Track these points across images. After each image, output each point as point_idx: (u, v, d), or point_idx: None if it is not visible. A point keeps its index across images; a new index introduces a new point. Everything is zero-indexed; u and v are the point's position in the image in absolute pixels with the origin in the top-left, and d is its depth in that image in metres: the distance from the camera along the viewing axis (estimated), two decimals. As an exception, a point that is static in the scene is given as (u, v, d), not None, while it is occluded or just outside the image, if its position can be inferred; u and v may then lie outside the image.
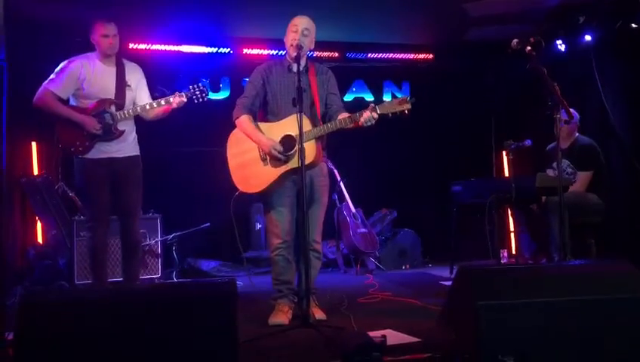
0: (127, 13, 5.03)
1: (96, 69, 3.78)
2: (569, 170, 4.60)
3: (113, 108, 3.75)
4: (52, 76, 3.73)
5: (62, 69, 3.74)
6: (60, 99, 3.73)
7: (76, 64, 3.75)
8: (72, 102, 3.79)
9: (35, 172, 5.46)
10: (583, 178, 4.53)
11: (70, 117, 3.68)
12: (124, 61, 3.91)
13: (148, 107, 3.81)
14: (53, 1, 4.88)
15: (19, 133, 5.15)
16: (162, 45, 5.94)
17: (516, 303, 2.15)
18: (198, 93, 3.88)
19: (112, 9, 4.84)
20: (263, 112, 3.60)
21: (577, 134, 4.70)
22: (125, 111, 3.76)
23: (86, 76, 3.74)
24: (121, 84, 3.81)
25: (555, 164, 4.57)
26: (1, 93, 2.45)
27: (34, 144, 5.51)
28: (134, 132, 3.92)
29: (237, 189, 3.52)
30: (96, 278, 3.85)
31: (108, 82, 3.78)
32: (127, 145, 3.84)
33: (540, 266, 2.83)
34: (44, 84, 3.71)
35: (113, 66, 3.83)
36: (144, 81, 3.98)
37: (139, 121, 3.96)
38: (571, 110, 4.46)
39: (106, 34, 3.74)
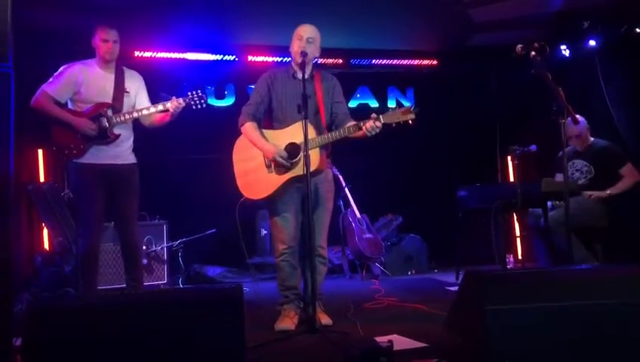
0: (133, 21, 5.06)
1: (95, 74, 3.79)
2: (584, 168, 4.58)
3: (110, 112, 3.75)
4: (50, 79, 3.75)
5: (60, 73, 3.76)
6: (57, 102, 3.73)
7: (74, 68, 3.77)
8: (70, 106, 3.79)
9: (42, 179, 5.49)
10: (628, 171, 4.51)
11: (64, 119, 3.69)
12: (124, 69, 3.92)
13: (145, 111, 3.80)
14: (60, 10, 4.92)
15: (25, 140, 5.18)
16: (167, 53, 5.97)
17: (525, 308, 2.14)
18: (196, 98, 3.86)
19: (118, 17, 4.87)
20: (269, 119, 3.62)
21: (592, 138, 4.69)
22: (121, 115, 3.76)
23: (84, 80, 3.74)
24: (120, 89, 3.82)
25: (568, 165, 4.57)
26: (8, 100, 2.45)
27: (40, 151, 5.53)
28: (131, 140, 3.90)
29: (242, 196, 3.53)
30: (84, 285, 3.78)
31: (106, 87, 3.79)
32: (124, 152, 3.83)
33: (548, 271, 2.82)
34: (42, 86, 3.73)
35: (112, 73, 3.85)
36: (144, 89, 3.98)
37: (145, 129, 3.98)
38: (577, 116, 4.49)
39: (105, 38, 3.75)
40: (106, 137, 3.72)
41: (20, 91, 2.60)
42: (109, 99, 3.78)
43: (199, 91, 3.89)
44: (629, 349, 2.18)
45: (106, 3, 4.77)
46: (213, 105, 6.16)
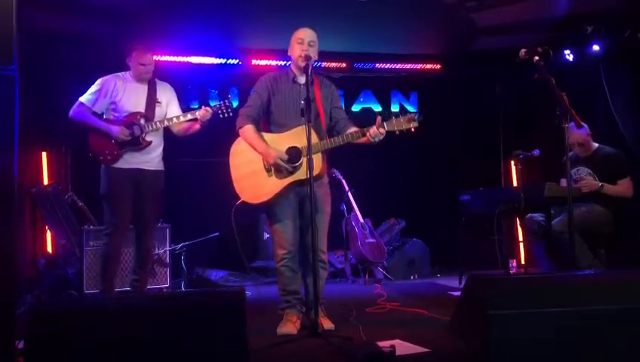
0: (137, 25, 5.08)
1: (130, 87, 4.03)
2: (589, 178, 4.53)
3: (142, 121, 3.97)
4: (88, 91, 3.99)
5: (97, 86, 4.00)
6: (95, 113, 3.98)
7: (111, 82, 4.00)
8: (106, 115, 4.03)
9: (45, 182, 5.50)
10: (625, 184, 4.45)
11: (101, 128, 3.93)
12: (157, 81, 4.16)
13: (175, 119, 4.04)
14: (65, 14, 4.94)
15: (29, 143, 5.20)
16: (172, 56, 6.00)
17: (528, 313, 2.14)
18: (224, 108, 4.08)
19: (123, 21, 4.91)
20: (265, 123, 3.60)
21: (597, 144, 4.65)
22: (153, 123, 3.98)
23: (118, 93, 3.99)
24: (152, 100, 4.06)
25: (572, 172, 4.55)
26: (12, 103, 2.46)
27: (44, 154, 5.56)
28: (161, 148, 4.12)
29: (239, 200, 3.51)
30: (104, 284, 3.95)
31: (139, 99, 4.03)
32: (154, 159, 4.05)
33: (552, 275, 2.81)
34: (80, 98, 3.97)
35: (145, 84, 4.08)
36: (175, 99, 4.23)
37: (175, 137, 4.18)
38: (577, 130, 4.50)
39: (143, 63, 4.00)
40: (138, 144, 3.95)
41: (26, 94, 2.61)
42: (142, 109, 4.01)
43: (227, 100, 4.12)
44: (634, 354, 2.17)
45: (111, 7, 4.78)
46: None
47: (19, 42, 2.44)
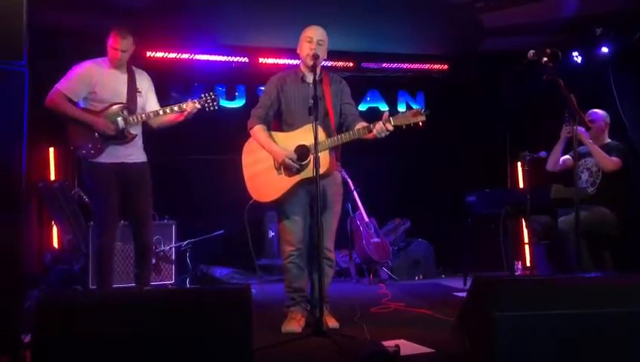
0: (145, 22, 5.09)
1: (108, 74, 3.80)
2: (594, 168, 4.49)
3: (126, 113, 3.78)
4: (63, 78, 3.75)
5: (73, 72, 3.77)
6: (71, 101, 3.72)
7: (88, 67, 3.78)
8: (82, 105, 3.79)
9: (52, 177, 5.53)
10: (615, 160, 4.36)
11: (82, 118, 3.70)
12: (134, 68, 3.94)
13: (161, 112, 3.84)
14: (74, 10, 4.96)
15: (37, 138, 5.21)
16: (179, 54, 6.00)
17: (533, 315, 2.13)
18: (209, 100, 3.88)
19: (131, 18, 4.92)
20: (278, 122, 3.62)
21: (609, 140, 4.60)
22: (137, 115, 3.79)
23: (98, 80, 3.75)
24: (133, 89, 3.85)
25: (580, 162, 4.50)
26: (21, 99, 2.48)
27: (51, 150, 5.58)
28: (142, 139, 3.94)
29: (251, 197, 3.54)
30: (101, 281, 3.86)
31: (120, 87, 3.81)
32: (137, 150, 3.88)
33: (558, 277, 2.80)
34: (55, 85, 3.73)
35: (124, 73, 3.86)
36: (152, 88, 4.01)
37: (151, 130, 4.02)
38: (597, 111, 4.51)
39: (115, 47, 3.74)
40: (123, 137, 3.76)
41: (34, 90, 2.62)
42: (123, 100, 3.80)
43: (212, 93, 3.91)
44: (638, 359, 2.16)
45: (119, 4, 4.80)
46: (223, 107, 6.18)
47: (29, 38, 2.46)
